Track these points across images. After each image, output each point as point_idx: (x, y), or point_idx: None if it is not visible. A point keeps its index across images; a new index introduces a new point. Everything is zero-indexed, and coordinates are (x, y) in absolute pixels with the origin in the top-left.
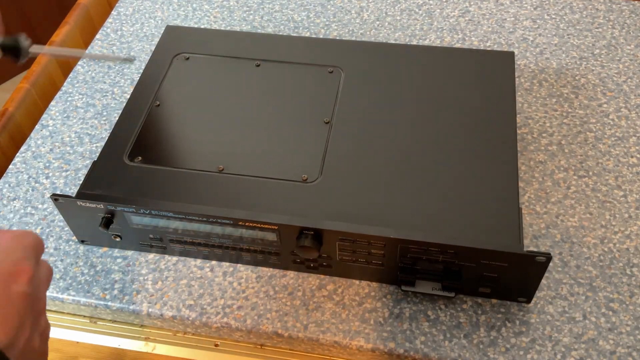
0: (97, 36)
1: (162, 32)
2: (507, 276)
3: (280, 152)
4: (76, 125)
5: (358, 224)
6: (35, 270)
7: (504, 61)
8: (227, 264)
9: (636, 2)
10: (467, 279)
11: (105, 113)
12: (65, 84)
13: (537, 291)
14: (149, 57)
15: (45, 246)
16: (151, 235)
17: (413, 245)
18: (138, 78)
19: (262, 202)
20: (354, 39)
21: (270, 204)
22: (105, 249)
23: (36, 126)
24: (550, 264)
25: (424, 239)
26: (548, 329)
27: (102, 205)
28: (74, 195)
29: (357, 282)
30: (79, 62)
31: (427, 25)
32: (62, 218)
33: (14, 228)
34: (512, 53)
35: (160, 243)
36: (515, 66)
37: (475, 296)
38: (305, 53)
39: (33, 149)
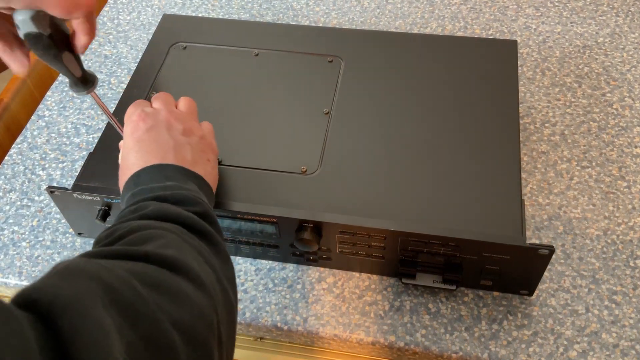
0: None
1: (159, 20)
2: (509, 269)
3: (279, 144)
4: (73, 116)
5: (358, 217)
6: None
7: (506, 50)
8: None
9: None
10: (469, 272)
11: None
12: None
13: (539, 284)
14: (145, 46)
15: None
16: None
17: (414, 238)
18: (135, 68)
19: (260, 194)
20: (354, 27)
21: (269, 196)
22: None
23: (32, 117)
24: (553, 256)
25: (425, 231)
26: (550, 322)
27: (98, 197)
28: (70, 188)
29: (357, 274)
30: None
31: (429, 13)
32: (58, 210)
33: (10, 221)
34: (515, 42)
35: None
36: (518, 55)
37: (476, 289)
38: (304, 42)
39: (29, 140)
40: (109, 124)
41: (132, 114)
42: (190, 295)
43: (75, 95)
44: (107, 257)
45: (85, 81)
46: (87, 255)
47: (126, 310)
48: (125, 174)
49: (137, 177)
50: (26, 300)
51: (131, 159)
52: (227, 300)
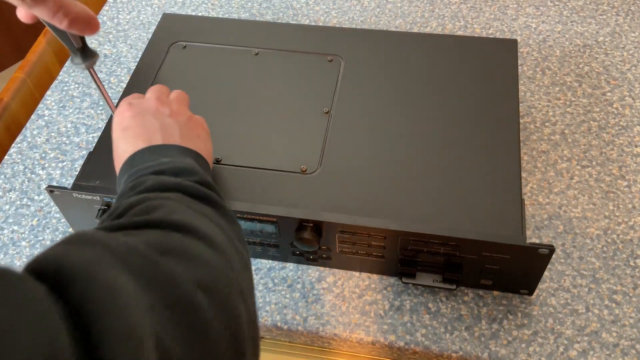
0: None
1: (158, 19)
2: (509, 268)
3: (279, 143)
4: (72, 115)
5: (358, 216)
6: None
7: (506, 49)
8: None
9: None
10: (469, 271)
11: (101, 103)
12: (61, 73)
13: (539, 283)
14: (145, 46)
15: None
16: None
17: (414, 238)
18: (135, 67)
19: (260, 193)
20: (354, 26)
21: (269, 195)
22: None
23: (32, 116)
24: (553, 255)
25: (425, 230)
26: (550, 322)
27: (98, 197)
28: (69, 187)
29: (357, 274)
30: None
31: (429, 12)
32: (58, 210)
33: (10, 220)
34: (515, 41)
35: None
36: (518, 54)
37: (476, 288)
38: (304, 41)
39: (29, 139)
40: (108, 122)
41: (120, 106)
42: (203, 255)
43: (75, 68)
44: (112, 232)
45: (85, 54)
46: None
47: (139, 275)
48: (118, 164)
49: (132, 160)
50: (32, 273)
51: (121, 147)
52: (241, 256)
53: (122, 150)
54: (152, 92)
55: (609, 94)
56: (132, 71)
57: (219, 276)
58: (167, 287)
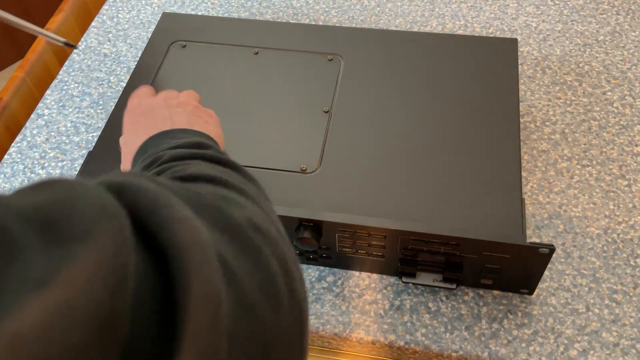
0: (93, 23)
1: (158, 19)
2: (509, 268)
3: (279, 142)
4: (72, 115)
5: (358, 215)
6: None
7: (506, 48)
8: None
9: None
10: (469, 271)
11: (101, 102)
12: (60, 72)
13: (539, 282)
14: (145, 45)
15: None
16: None
17: (414, 237)
18: (134, 66)
19: None
20: (354, 25)
21: (269, 195)
22: None
23: (31, 115)
24: (553, 254)
25: (425, 230)
26: (551, 321)
27: None
28: None
29: (357, 273)
30: (75, 51)
31: (429, 11)
32: None
33: None
34: (515, 40)
35: None
36: (518, 53)
37: (476, 288)
38: (304, 40)
39: (29, 139)
40: (108, 121)
41: (130, 102)
42: (238, 199)
43: None
44: None
45: None
46: None
47: (186, 202)
48: (128, 158)
49: (144, 147)
50: None
51: (131, 140)
52: (270, 209)
53: (132, 142)
54: (161, 93)
55: (609, 93)
56: (131, 70)
57: (257, 215)
58: (216, 213)
